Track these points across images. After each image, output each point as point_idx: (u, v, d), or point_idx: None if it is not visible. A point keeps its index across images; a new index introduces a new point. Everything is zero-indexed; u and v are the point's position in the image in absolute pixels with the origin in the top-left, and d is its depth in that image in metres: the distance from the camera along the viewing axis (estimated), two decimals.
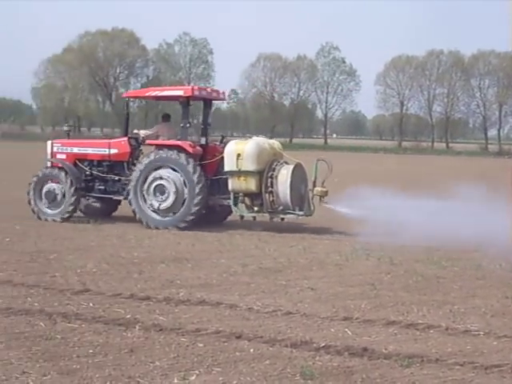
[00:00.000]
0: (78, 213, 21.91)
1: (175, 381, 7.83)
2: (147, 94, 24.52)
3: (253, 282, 12.83)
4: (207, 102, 22.64)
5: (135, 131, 22.15)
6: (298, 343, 9.20)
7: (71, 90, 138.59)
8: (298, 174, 19.75)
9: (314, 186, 19.78)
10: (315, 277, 13.47)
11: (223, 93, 23.49)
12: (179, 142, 20.37)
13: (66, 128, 23.42)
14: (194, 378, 7.93)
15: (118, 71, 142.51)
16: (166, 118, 22.86)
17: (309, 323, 10.23)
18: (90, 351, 8.70)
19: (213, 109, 23.63)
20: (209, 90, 23.21)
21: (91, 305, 10.89)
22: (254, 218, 20.36)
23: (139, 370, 8.10)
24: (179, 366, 8.29)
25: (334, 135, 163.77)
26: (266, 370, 8.24)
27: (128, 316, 10.27)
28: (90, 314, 10.32)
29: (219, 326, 9.87)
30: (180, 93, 21.50)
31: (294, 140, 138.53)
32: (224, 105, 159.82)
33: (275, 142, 21.56)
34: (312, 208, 20.20)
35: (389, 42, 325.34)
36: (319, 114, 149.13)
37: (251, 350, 8.93)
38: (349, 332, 9.85)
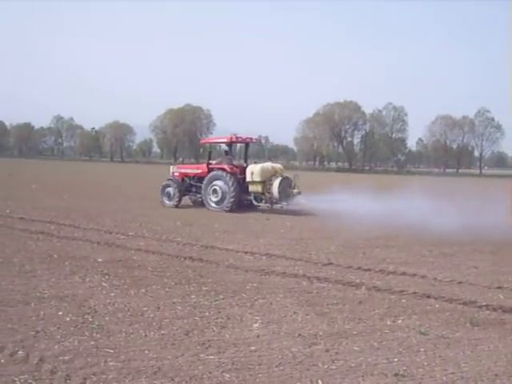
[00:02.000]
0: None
1: (388, 322, 7.73)
2: (211, 141, 27.80)
3: (436, 262, 12.40)
4: (246, 145, 25.52)
5: (209, 161, 24.56)
6: (468, 302, 8.84)
7: (318, 139, 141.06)
8: (285, 182, 22.34)
9: (294, 188, 22.44)
10: (477, 259, 12.85)
11: (256, 138, 28.35)
12: (224, 166, 23.31)
13: (180, 159, 28.43)
14: (400, 321, 7.80)
15: (347, 127, 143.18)
16: (226, 153, 25.12)
17: (474, 289, 9.79)
18: (334, 301, 8.71)
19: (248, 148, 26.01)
20: (244, 137, 25.47)
21: (334, 272, 10.87)
22: (268, 207, 22.83)
23: (365, 314, 8.06)
24: (390, 313, 8.17)
25: (486, 167, 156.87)
26: (447, 318, 8.00)
27: (357, 280, 10.18)
28: (333, 278, 10.31)
29: (415, 289, 9.61)
30: (225, 140, 24.86)
31: (460, 170, 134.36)
32: (413, 148, 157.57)
33: (278, 165, 23.85)
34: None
35: None
36: (476, 153, 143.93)
37: (437, 306, 8.66)
38: (501, 296, 9.36)
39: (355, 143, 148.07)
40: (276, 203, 22.31)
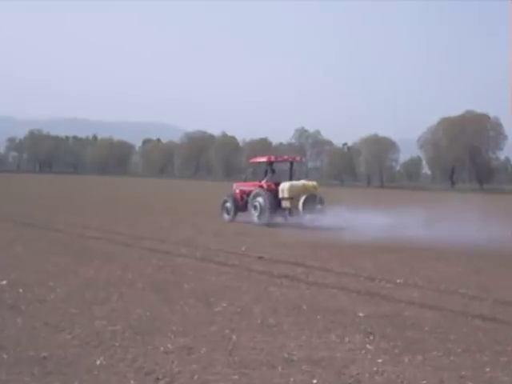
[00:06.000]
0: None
1: None
2: (256, 160, 35.61)
3: None
4: (291, 163, 33.47)
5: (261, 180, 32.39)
6: None
7: None
8: (309, 199, 29.39)
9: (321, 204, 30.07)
10: None
11: (300, 157, 39.60)
12: (262, 183, 31.31)
13: (244, 177, 37.85)
14: None
15: None
16: (272, 171, 32.17)
17: None
18: None
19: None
20: (285, 157, 36.03)
21: None
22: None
23: None
24: None
25: None
26: None
27: None
28: None
29: None
30: (265, 159, 32.94)
31: None
32: None
33: (311, 182, 31.19)
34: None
35: None
36: None
37: None
38: None
39: None
40: (302, 218, 29.51)
